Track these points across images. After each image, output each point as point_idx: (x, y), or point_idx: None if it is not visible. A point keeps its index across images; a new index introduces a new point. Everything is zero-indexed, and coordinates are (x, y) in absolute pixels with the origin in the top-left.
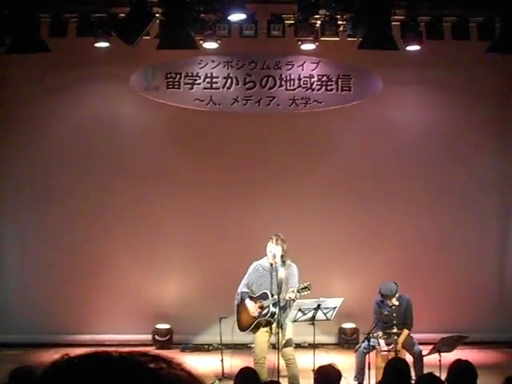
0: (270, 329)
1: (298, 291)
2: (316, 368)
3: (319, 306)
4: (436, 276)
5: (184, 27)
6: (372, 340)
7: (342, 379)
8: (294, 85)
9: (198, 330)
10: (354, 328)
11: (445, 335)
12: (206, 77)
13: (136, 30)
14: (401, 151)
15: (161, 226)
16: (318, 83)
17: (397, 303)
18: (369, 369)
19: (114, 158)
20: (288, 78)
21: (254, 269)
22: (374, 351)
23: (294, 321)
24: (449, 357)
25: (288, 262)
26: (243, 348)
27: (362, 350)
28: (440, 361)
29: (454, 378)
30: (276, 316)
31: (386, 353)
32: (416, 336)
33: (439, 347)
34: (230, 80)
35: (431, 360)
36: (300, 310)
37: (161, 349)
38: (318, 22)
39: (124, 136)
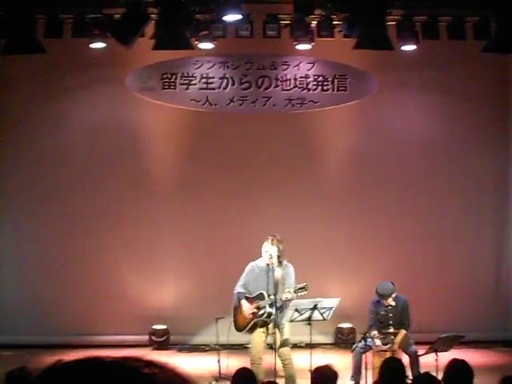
0: (267, 329)
1: (294, 291)
2: (313, 368)
3: (316, 306)
4: (432, 276)
5: (179, 28)
6: (368, 340)
7: (339, 379)
8: (289, 85)
9: (194, 330)
10: (351, 328)
11: (441, 335)
12: (202, 77)
13: (131, 31)
14: (397, 151)
15: (158, 226)
16: (314, 83)
17: (393, 303)
18: (365, 369)
19: (111, 159)
20: (284, 78)
21: (250, 269)
22: (371, 351)
23: (291, 321)
24: (445, 356)
25: (284, 262)
26: (240, 348)
27: (359, 349)
28: (437, 360)
29: (451, 377)
30: (272, 316)
31: (382, 353)
32: (412, 335)
33: (436, 347)
34: (225, 80)
35: (428, 360)
36: (297, 310)
37: (158, 349)
38: (314, 22)
39: (120, 136)
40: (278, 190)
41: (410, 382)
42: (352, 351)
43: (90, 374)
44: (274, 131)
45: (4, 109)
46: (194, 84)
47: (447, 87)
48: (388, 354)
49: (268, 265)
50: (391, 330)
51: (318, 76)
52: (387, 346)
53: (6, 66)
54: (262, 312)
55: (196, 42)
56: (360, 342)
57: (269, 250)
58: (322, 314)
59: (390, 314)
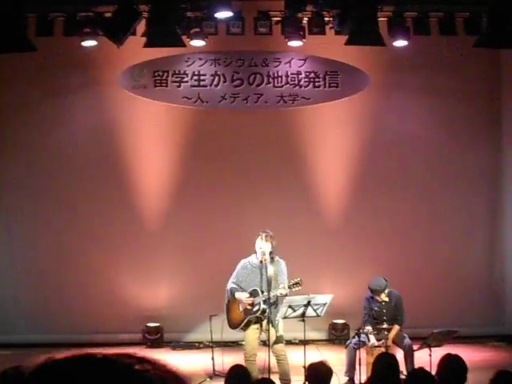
0: (261, 326)
1: (289, 287)
2: (307, 365)
3: (309, 302)
4: (425, 271)
5: (170, 25)
6: (362, 336)
7: (333, 375)
8: (281, 82)
9: (188, 328)
10: (345, 324)
11: (435, 330)
12: (194, 74)
13: (123, 29)
14: (390, 147)
15: (151, 224)
16: (306, 80)
17: (386, 299)
18: (359, 364)
19: (103, 157)
20: (275, 74)
21: (243, 266)
22: (365, 347)
23: (285, 317)
24: (439, 351)
25: (276, 258)
26: (234, 345)
27: (353, 345)
28: (430, 355)
29: (445, 372)
30: (266, 313)
31: (376, 348)
32: (406, 331)
33: (429, 342)
34: (217, 77)
35: (421, 355)
36: (290, 306)
37: (151, 347)
38: (305, 18)
39: (113, 133)
40: (271, 186)
41: (404, 377)
42: (346, 347)
43: (82, 370)
44: (266, 128)
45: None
46: (186, 81)
47: (439, 84)
48: (381, 350)
49: (261, 261)
50: (385, 325)
51: (310, 72)
52: (381, 342)
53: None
54: (256, 308)
55: (187, 40)
56: (354, 338)
57: (262, 246)
58: (315, 311)
59: (384, 310)
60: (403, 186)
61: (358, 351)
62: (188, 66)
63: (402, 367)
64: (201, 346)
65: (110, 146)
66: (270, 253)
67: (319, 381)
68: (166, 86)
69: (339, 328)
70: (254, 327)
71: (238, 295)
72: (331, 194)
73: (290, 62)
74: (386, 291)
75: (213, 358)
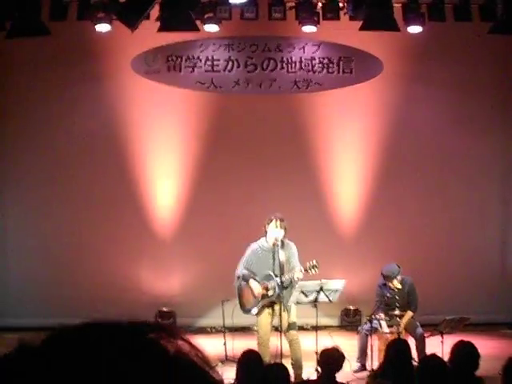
0: (273, 310)
1: (305, 270)
2: (320, 351)
3: (322, 288)
4: (438, 258)
5: (184, 10)
6: (374, 322)
7: (345, 361)
8: (295, 67)
9: (200, 313)
10: (357, 310)
11: (447, 317)
12: (207, 59)
13: (137, 13)
14: (402, 134)
15: (163, 210)
16: (320, 65)
17: (399, 286)
18: (371, 351)
19: (115, 141)
20: (289, 60)
21: (253, 250)
22: (377, 333)
23: (297, 303)
24: (451, 338)
25: (286, 241)
26: (246, 331)
27: (365, 332)
28: (442, 342)
29: (457, 359)
30: (281, 297)
31: (388, 335)
32: (418, 318)
33: (441, 329)
34: (231, 63)
35: (433, 342)
36: (302, 292)
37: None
38: (319, 4)
39: (125, 119)
40: (283, 171)
41: (415, 363)
42: (358, 333)
43: (94, 338)
44: (279, 113)
45: (9, 91)
46: (200, 66)
47: (452, 71)
48: (393, 336)
49: (274, 244)
50: (397, 312)
51: (324, 58)
52: (393, 328)
53: (11, 49)
54: (271, 293)
55: (201, 25)
56: (366, 324)
57: (276, 233)
58: (327, 296)
59: (396, 297)
60: (415, 173)
61: (369, 337)
62: (201, 51)
63: (414, 354)
64: (213, 330)
65: (123, 131)
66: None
67: (331, 366)
68: (180, 71)
69: (351, 314)
70: (267, 311)
71: (251, 284)
72: (344, 180)
73: (303, 47)
74: (399, 278)
75: (225, 343)
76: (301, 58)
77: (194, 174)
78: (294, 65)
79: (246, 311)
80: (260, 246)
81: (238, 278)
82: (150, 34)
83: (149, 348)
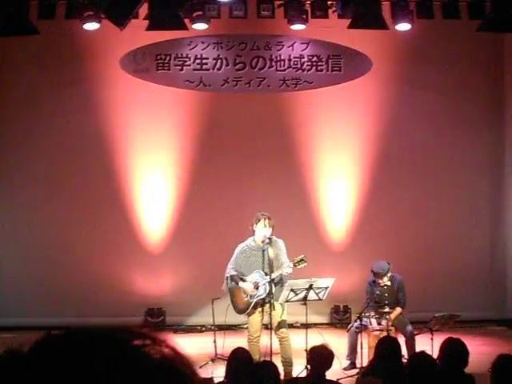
0: (264, 308)
1: (294, 265)
2: (309, 348)
3: (311, 286)
4: (427, 255)
5: (173, 8)
6: (364, 319)
7: (335, 359)
8: (284, 65)
9: (190, 311)
10: (346, 308)
11: (436, 314)
12: (196, 58)
13: (125, 12)
14: (392, 132)
15: (153, 209)
16: (309, 63)
17: (389, 283)
18: (361, 348)
19: (104, 140)
20: (278, 58)
21: (241, 250)
22: (366, 331)
23: (287, 301)
24: (440, 335)
25: (274, 238)
26: (236, 329)
27: (354, 329)
28: (432, 339)
29: (446, 356)
30: (271, 295)
31: (377, 332)
32: (408, 315)
33: (431, 326)
34: (219, 61)
35: (423, 339)
36: (292, 290)
37: (153, 331)
38: (308, 1)
39: (113, 117)
40: (272, 170)
41: (405, 361)
42: (347, 331)
43: (78, 345)
44: (268, 111)
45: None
46: (189, 65)
47: (441, 69)
48: (383, 334)
49: (263, 242)
50: (386, 309)
51: (313, 56)
52: (383, 326)
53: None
54: (261, 292)
55: (190, 23)
56: (355, 321)
57: (265, 232)
58: (317, 294)
59: (386, 294)
60: (406, 170)
61: (359, 335)
62: (190, 49)
63: (403, 352)
64: (203, 329)
65: (111, 129)
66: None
67: (321, 364)
68: (169, 70)
69: (341, 312)
70: (258, 310)
71: (242, 285)
72: (333, 178)
73: (292, 45)
74: (389, 275)
75: (215, 341)
76: (290, 56)
77: (182, 173)
78: (282, 63)
79: (240, 311)
80: (248, 246)
81: (227, 278)
82: (138, 33)
83: (133, 355)
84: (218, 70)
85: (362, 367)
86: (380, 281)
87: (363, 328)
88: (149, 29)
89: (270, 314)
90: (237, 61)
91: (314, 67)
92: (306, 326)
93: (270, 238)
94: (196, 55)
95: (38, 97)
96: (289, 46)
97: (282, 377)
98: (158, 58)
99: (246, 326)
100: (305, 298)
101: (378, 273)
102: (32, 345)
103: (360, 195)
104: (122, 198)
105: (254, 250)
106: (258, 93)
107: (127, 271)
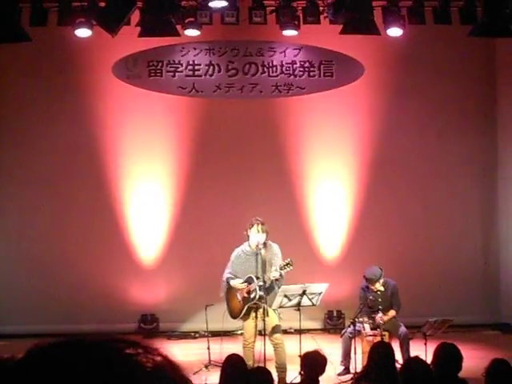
0: (258, 314)
1: (280, 269)
2: (302, 354)
3: (304, 291)
4: (420, 260)
5: (165, 15)
6: (358, 325)
7: (328, 364)
8: (276, 71)
9: (184, 317)
10: (340, 313)
11: (430, 319)
12: (188, 64)
13: (117, 18)
14: (384, 137)
15: (145, 214)
16: (301, 69)
17: (382, 288)
18: (355, 353)
19: (98, 148)
20: (270, 64)
21: (236, 255)
22: (360, 336)
23: (280, 307)
24: (434, 340)
25: (269, 242)
26: (230, 335)
27: (348, 335)
28: (425, 344)
29: (440, 360)
30: (264, 299)
31: (371, 337)
32: (401, 320)
33: (424, 331)
34: (212, 67)
35: (417, 343)
36: (285, 296)
37: (147, 337)
38: (300, 7)
39: (105, 124)
40: (265, 176)
41: (399, 365)
42: (341, 336)
43: (70, 355)
44: (261, 117)
45: None
46: (181, 71)
47: (433, 73)
48: (377, 339)
49: (256, 246)
50: (380, 315)
51: (305, 62)
52: (376, 331)
53: None
54: (253, 295)
55: (182, 29)
56: (349, 327)
57: (258, 238)
58: (310, 300)
59: (379, 299)
60: (397, 175)
61: (353, 340)
62: (182, 55)
63: (398, 356)
64: (196, 335)
65: (104, 136)
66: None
67: (314, 369)
68: (161, 76)
69: (335, 317)
70: (252, 315)
71: (232, 282)
72: (325, 183)
73: (284, 51)
74: (382, 280)
75: (208, 348)
76: (282, 61)
77: (175, 179)
78: (275, 69)
79: (234, 316)
80: (243, 251)
81: (223, 282)
82: (130, 39)
83: (126, 364)
84: (211, 76)
85: (355, 373)
86: (373, 287)
87: (357, 333)
88: (141, 35)
89: (264, 319)
90: (229, 67)
91: (306, 73)
92: (300, 331)
93: (264, 243)
94: (188, 61)
95: (30, 103)
96: (281, 52)
97: (275, 383)
98: (151, 64)
99: (240, 332)
100: (298, 304)
101: (370, 279)
102: (24, 354)
103: (352, 200)
104: (116, 205)
105: (249, 255)
106: (250, 99)
107: (121, 278)
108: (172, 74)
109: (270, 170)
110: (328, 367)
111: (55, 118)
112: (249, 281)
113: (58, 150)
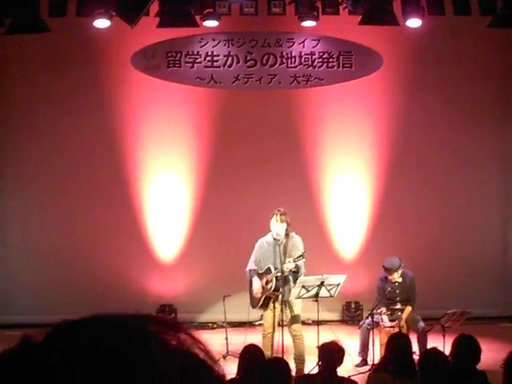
0: (277, 304)
1: (294, 260)
2: (320, 345)
3: (323, 282)
4: (440, 252)
5: (184, 5)
6: (376, 316)
7: (346, 355)
8: (295, 62)
9: (202, 308)
10: (358, 305)
11: (448, 311)
12: (207, 55)
13: (136, 9)
14: (404, 128)
15: (163, 205)
16: (319, 60)
17: (400, 280)
18: (373, 345)
19: (115, 138)
20: (289, 55)
21: (259, 245)
22: (378, 327)
23: (298, 297)
24: (452, 332)
25: (291, 234)
26: (247, 326)
27: (366, 326)
28: (444, 336)
29: (458, 352)
30: (280, 290)
31: (389, 329)
32: (420, 312)
33: (443, 322)
34: (230, 58)
35: (435, 335)
36: (303, 286)
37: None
38: None
39: (124, 115)
40: (284, 167)
41: (417, 357)
42: (359, 328)
43: (93, 331)
44: (279, 109)
45: (10, 86)
46: (199, 62)
47: (452, 65)
48: (395, 330)
49: (275, 239)
50: (398, 306)
51: (324, 53)
52: (394, 323)
53: (9, 45)
54: (269, 286)
55: (201, 20)
56: (367, 318)
57: (276, 227)
58: (328, 291)
59: (397, 291)
60: (417, 168)
61: (371, 332)
62: (201, 46)
63: (415, 349)
64: (214, 326)
65: (121, 126)
66: (286, 230)
67: (332, 360)
68: (180, 67)
69: (353, 308)
70: (272, 305)
71: (253, 282)
72: (345, 175)
73: (303, 42)
74: (400, 271)
75: (226, 338)
76: (300, 52)
77: (193, 170)
78: (293, 60)
79: (253, 305)
80: (266, 241)
81: (247, 272)
82: (149, 30)
83: (150, 341)
84: (229, 67)
85: (373, 364)
86: (391, 277)
87: (375, 325)
88: (160, 26)
89: (282, 310)
90: (247, 58)
91: (325, 64)
92: (318, 322)
93: (287, 234)
94: (207, 52)
95: (48, 93)
96: (300, 43)
97: (293, 374)
98: (169, 55)
99: (257, 323)
100: (316, 295)
101: (389, 268)
102: (48, 332)
103: (371, 192)
104: (134, 197)
105: (270, 245)
106: (268, 90)
107: (140, 270)
108: (191, 64)
109: (289, 161)
110: (346, 358)
111: (73, 109)
112: (267, 271)
113: (76, 142)
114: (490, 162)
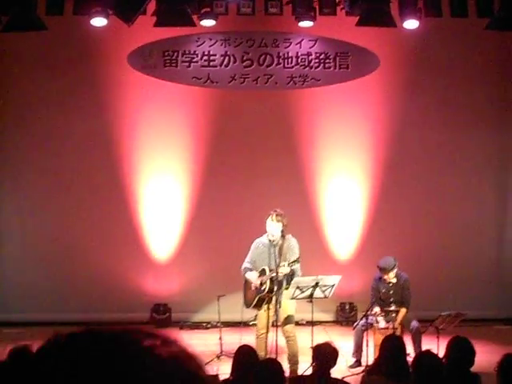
0: (271, 305)
1: (289, 264)
2: (314, 346)
3: (317, 283)
4: (434, 254)
5: (181, 4)
6: (370, 317)
7: (340, 356)
8: (291, 62)
9: (196, 308)
10: (352, 306)
11: (443, 312)
12: (204, 55)
13: (133, 8)
14: (400, 129)
15: (159, 204)
16: (316, 61)
17: (394, 280)
18: (367, 346)
19: (112, 137)
20: (286, 55)
21: (255, 246)
22: (372, 329)
23: (292, 298)
24: (447, 334)
25: (288, 236)
26: (242, 326)
27: (360, 327)
28: (438, 338)
29: (452, 354)
30: (274, 292)
31: (383, 330)
32: (414, 313)
33: (437, 324)
34: (227, 58)
35: (429, 337)
36: (298, 287)
37: (159, 327)
38: None
39: (120, 113)
40: (280, 166)
41: (411, 359)
42: (353, 329)
43: (88, 346)
44: (275, 109)
45: (8, 84)
46: (196, 61)
47: (449, 67)
48: (389, 332)
49: (270, 240)
50: (392, 307)
51: (320, 54)
52: (388, 324)
53: (8, 43)
54: (263, 287)
55: (198, 19)
56: (361, 319)
57: (271, 226)
58: (323, 292)
59: (391, 292)
60: (412, 169)
61: (365, 333)
62: (198, 46)
63: (410, 350)
64: (208, 326)
65: (118, 126)
66: (282, 231)
67: (325, 361)
68: (176, 66)
69: (347, 309)
70: (266, 306)
71: (248, 275)
72: (341, 175)
73: (300, 42)
74: (395, 271)
75: (220, 338)
76: (297, 53)
77: (188, 170)
78: (290, 60)
79: (246, 305)
80: (261, 241)
81: (242, 271)
82: (146, 29)
83: (142, 356)
84: (226, 66)
85: (367, 365)
86: (386, 276)
87: (369, 326)
88: (156, 25)
89: (276, 311)
90: (244, 58)
91: (322, 65)
92: (312, 323)
93: (283, 236)
94: (203, 52)
95: (45, 92)
96: (296, 43)
97: (287, 375)
98: (166, 54)
99: (251, 323)
100: (311, 296)
101: (383, 268)
102: (43, 344)
103: (367, 193)
104: (130, 197)
105: (265, 246)
106: (265, 90)
107: (135, 269)
108: (187, 64)
109: (285, 161)
110: (339, 359)
111: (69, 107)
112: (262, 273)
113: (72, 141)
114: (486, 164)
